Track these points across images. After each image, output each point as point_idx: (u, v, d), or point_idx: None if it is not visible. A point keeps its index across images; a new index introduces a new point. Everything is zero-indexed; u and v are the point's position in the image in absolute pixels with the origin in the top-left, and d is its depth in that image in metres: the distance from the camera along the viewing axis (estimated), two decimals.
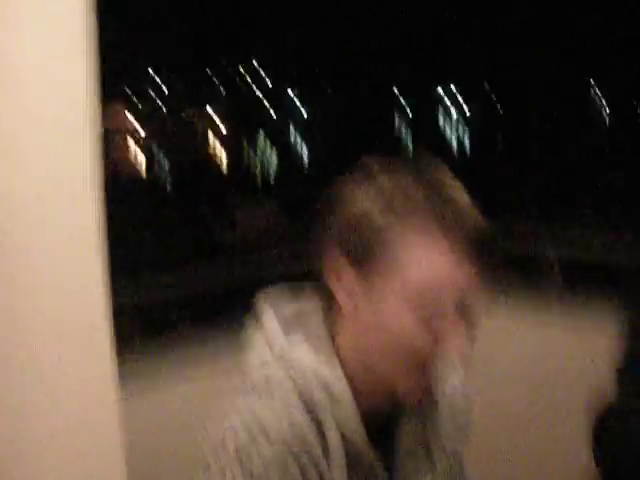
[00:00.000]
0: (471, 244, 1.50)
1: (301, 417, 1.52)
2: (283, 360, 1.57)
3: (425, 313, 1.51)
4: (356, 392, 1.58)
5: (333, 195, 1.56)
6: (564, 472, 3.69)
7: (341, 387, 1.56)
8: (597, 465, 2.21)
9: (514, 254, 4.04)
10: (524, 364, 3.92)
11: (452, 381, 1.72)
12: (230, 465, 1.47)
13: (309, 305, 1.66)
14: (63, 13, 1.92)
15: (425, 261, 1.49)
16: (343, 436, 1.55)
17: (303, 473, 1.50)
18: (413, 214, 1.48)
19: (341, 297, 1.55)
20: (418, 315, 1.51)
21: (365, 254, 1.51)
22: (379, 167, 1.55)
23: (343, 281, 1.54)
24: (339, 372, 1.57)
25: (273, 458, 1.47)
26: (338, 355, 1.59)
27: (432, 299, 1.50)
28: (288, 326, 1.63)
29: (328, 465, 1.53)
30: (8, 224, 1.87)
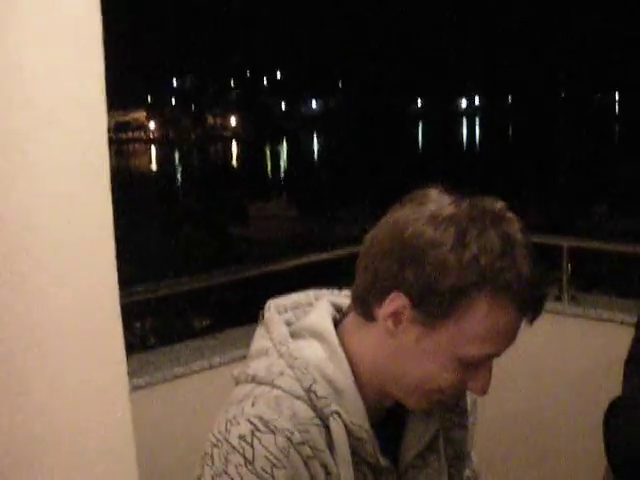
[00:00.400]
0: (532, 306, 1.49)
1: (303, 408, 1.50)
2: (285, 353, 1.56)
3: (469, 367, 1.51)
4: (363, 389, 1.56)
5: (409, 233, 1.46)
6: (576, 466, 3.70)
7: (346, 382, 1.54)
8: (607, 456, 2.21)
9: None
10: (536, 357, 3.91)
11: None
12: (232, 454, 1.47)
13: (317, 310, 1.63)
14: (74, 13, 1.91)
15: (491, 331, 1.47)
16: (347, 429, 1.53)
17: (306, 465, 1.48)
18: (491, 279, 1.44)
19: (386, 320, 1.51)
20: (461, 369, 1.51)
21: (433, 309, 1.46)
22: (458, 211, 1.47)
23: (397, 311, 1.49)
24: (345, 368, 1.55)
25: (275, 447, 1.45)
26: (349, 356, 1.56)
27: (484, 361, 1.51)
28: (295, 330, 1.61)
29: (332, 458, 1.51)
30: (17, 223, 1.87)
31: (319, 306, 1.63)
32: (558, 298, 3.87)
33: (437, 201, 1.49)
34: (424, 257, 1.44)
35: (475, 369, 1.51)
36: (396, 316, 1.49)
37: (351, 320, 1.59)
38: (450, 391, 1.55)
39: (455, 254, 1.43)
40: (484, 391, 1.54)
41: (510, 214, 1.49)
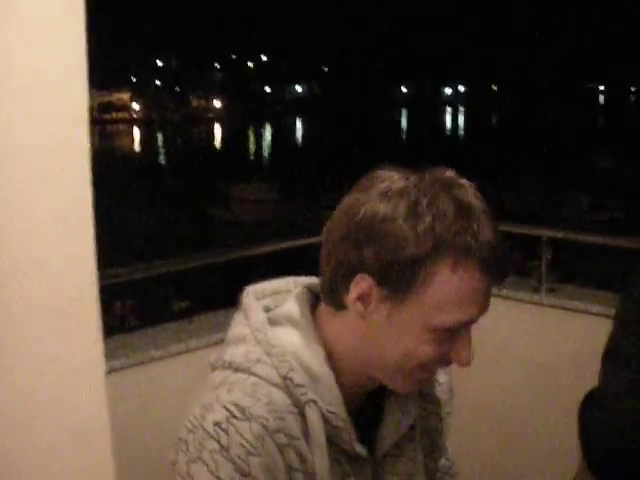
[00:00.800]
0: (496, 266, 1.48)
1: (279, 396, 1.50)
2: (263, 340, 1.55)
3: (446, 337, 1.50)
4: (340, 377, 1.56)
5: (362, 214, 1.46)
6: (555, 454, 3.71)
7: (323, 369, 1.54)
8: (582, 448, 2.22)
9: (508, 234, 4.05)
10: (513, 347, 3.93)
11: (440, 378, 1.74)
12: (207, 440, 1.46)
13: (295, 297, 1.62)
14: None
15: (459, 297, 1.46)
16: (324, 417, 1.52)
17: (282, 452, 1.48)
18: (449, 243, 1.44)
19: (355, 304, 1.50)
20: (438, 340, 1.50)
21: (397, 283, 1.46)
22: (407, 183, 1.48)
23: (364, 293, 1.49)
24: (322, 356, 1.54)
25: (250, 435, 1.45)
26: (326, 343, 1.56)
27: (457, 329, 1.50)
28: (272, 316, 1.60)
29: (308, 446, 1.51)
30: None
31: (297, 293, 1.62)
32: (536, 289, 3.88)
33: (386, 179, 1.49)
34: (380, 234, 1.44)
35: (453, 339, 1.51)
36: (364, 298, 1.49)
37: (326, 308, 1.58)
38: (432, 365, 1.54)
39: (409, 225, 1.43)
40: (467, 361, 1.52)
41: (462, 180, 1.49)
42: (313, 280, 1.68)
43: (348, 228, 1.48)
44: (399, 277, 1.45)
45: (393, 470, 1.66)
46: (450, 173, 1.50)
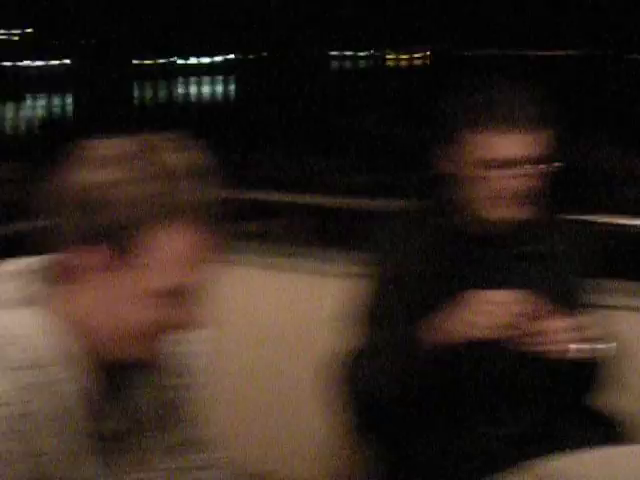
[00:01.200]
0: (208, 225, 1.47)
1: (27, 378, 1.46)
2: (7, 322, 1.49)
3: (172, 301, 1.49)
4: (88, 351, 1.53)
5: (74, 184, 1.45)
6: (306, 418, 3.76)
7: (68, 346, 1.51)
8: (344, 404, 2.27)
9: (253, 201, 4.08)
10: (260, 310, 3.93)
11: (188, 348, 1.72)
12: None
13: (36, 276, 1.56)
14: None
15: (176, 258, 1.46)
16: (74, 395, 1.50)
17: (37, 432, 1.46)
18: (160, 206, 1.43)
19: (84, 275, 1.48)
20: (166, 304, 1.49)
21: (117, 250, 1.44)
22: (118, 150, 1.47)
23: (88, 264, 1.46)
24: (67, 333, 1.51)
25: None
26: (71, 321, 1.52)
27: (182, 291, 1.49)
28: (15, 298, 1.53)
29: (61, 424, 1.49)
30: None
31: (39, 272, 1.56)
32: (279, 253, 3.90)
33: (97, 147, 1.48)
34: (94, 202, 1.43)
35: (181, 303, 1.50)
36: (90, 269, 1.47)
37: (63, 284, 1.54)
38: (164, 331, 1.53)
39: (122, 190, 1.43)
40: (195, 324, 1.54)
41: (173, 143, 1.49)
42: (48, 259, 1.63)
43: (64, 201, 1.46)
44: (117, 244, 1.44)
45: (130, 447, 1.63)
46: (161, 136, 1.50)
